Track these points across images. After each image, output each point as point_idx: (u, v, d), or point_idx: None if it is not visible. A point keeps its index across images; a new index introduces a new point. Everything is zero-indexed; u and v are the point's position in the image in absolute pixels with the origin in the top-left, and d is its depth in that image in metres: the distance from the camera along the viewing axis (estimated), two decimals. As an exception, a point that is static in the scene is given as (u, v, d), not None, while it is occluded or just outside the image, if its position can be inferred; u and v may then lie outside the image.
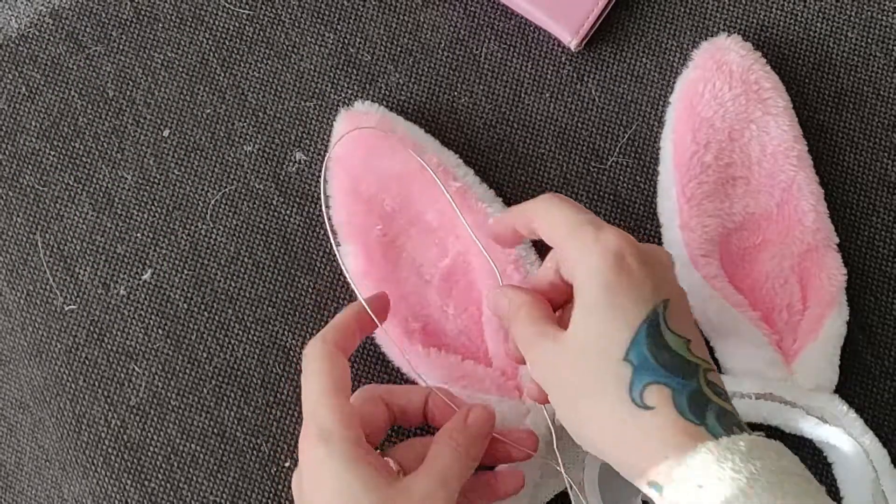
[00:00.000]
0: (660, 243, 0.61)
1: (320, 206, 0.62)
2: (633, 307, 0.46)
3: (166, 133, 0.63)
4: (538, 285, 0.52)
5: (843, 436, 0.56)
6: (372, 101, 0.62)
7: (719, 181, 0.59)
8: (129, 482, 0.59)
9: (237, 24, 0.64)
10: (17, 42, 0.64)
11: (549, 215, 0.49)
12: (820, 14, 0.63)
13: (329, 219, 0.59)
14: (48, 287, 0.62)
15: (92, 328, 0.61)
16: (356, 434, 0.49)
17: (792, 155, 0.59)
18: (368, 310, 0.54)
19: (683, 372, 0.45)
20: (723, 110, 0.59)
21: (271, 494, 0.59)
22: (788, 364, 0.57)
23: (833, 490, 0.58)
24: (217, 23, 0.64)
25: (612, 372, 0.45)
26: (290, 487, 0.58)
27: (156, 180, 0.63)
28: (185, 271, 0.61)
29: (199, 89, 0.64)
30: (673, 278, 0.49)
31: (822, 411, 0.56)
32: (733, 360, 0.58)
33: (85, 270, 0.62)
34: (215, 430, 0.60)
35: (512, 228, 0.52)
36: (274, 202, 0.62)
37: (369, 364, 0.60)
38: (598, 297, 0.46)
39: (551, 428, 0.56)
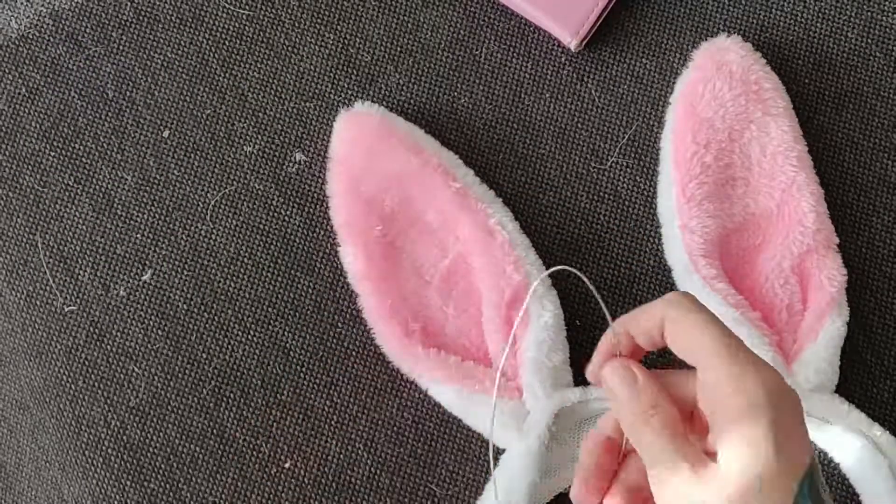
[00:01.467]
0: (660, 243, 0.61)
1: (320, 206, 0.62)
2: (797, 457, 0.42)
3: (166, 134, 0.63)
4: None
5: (847, 433, 0.56)
6: (372, 101, 0.62)
7: (719, 182, 0.59)
8: (128, 483, 0.59)
9: (237, 25, 0.64)
10: (17, 43, 0.64)
11: (692, 333, 0.44)
12: (820, 14, 0.63)
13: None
14: (48, 288, 0.62)
15: (92, 329, 0.61)
16: None
17: (792, 156, 0.59)
18: None
19: None
20: (723, 111, 0.59)
21: (271, 495, 0.59)
22: (788, 365, 0.57)
23: (845, 485, 0.58)
24: (217, 23, 0.64)
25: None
26: (289, 488, 0.59)
27: (156, 181, 0.63)
28: (185, 272, 0.61)
29: (199, 90, 0.64)
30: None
31: (823, 412, 0.56)
32: (733, 361, 0.57)
33: (85, 271, 0.62)
34: (215, 431, 0.60)
35: (631, 339, 0.46)
36: (274, 203, 0.62)
37: (368, 364, 0.60)
38: (760, 440, 0.41)
39: (550, 429, 0.55)
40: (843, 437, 0.56)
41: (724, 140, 0.59)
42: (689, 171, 0.59)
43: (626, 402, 0.45)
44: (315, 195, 0.62)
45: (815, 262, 0.58)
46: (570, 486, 0.57)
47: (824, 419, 0.56)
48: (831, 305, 0.57)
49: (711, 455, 0.43)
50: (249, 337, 0.61)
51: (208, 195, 0.62)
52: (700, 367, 0.43)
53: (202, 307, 0.61)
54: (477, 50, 0.64)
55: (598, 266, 0.61)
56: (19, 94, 0.64)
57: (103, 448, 0.60)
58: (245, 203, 0.62)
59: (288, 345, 0.60)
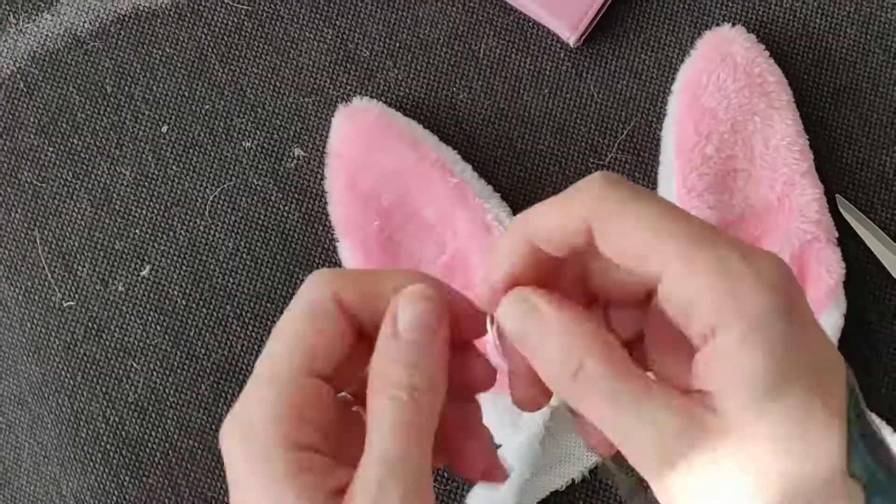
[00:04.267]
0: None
1: (318, 202, 0.62)
2: (830, 383, 0.29)
3: (165, 129, 0.63)
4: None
5: None
6: (370, 96, 0.62)
7: (720, 173, 0.59)
8: (127, 478, 0.59)
9: (236, 20, 0.64)
10: (14, 38, 0.64)
11: (640, 230, 0.31)
12: (818, 10, 0.63)
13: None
14: (47, 283, 0.62)
15: (90, 324, 0.61)
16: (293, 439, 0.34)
17: (795, 149, 0.59)
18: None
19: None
20: (726, 102, 0.59)
21: (269, 490, 0.59)
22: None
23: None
24: (215, 18, 0.64)
25: (834, 496, 0.29)
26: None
27: (154, 176, 0.63)
28: (184, 267, 0.61)
29: (197, 85, 0.64)
30: None
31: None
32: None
33: (83, 267, 0.62)
34: (213, 427, 0.60)
35: (534, 249, 0.34)
36: (272, 198, 0.62)
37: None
38: (777, 369, 0.29)
39: (545, 425, 0.56)
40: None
41: (727, 131, 0.59)
42: (691, 162, 0.58)
43: (541, 356, 0.33)
44: (313, 190, 0.62)
45: (814, 254, 0.58)
46: (565, 484, 0.58)
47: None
48: (829, 297, 0.57)
49: (691, 393, 0.30)
50: (248, 332, 0.61)
51: (207, 191, 0.62)
52: (666, 273, 0.30)
53: (201, 302, 0.61)
54: (476, 45, 0.64)
55: (597, 262, 0.61)
56: (17, 89, 0.64)
57: (102, 443, 0.60)
58: (243, 198, 0.62)
59: (286, 340, 0.60)
